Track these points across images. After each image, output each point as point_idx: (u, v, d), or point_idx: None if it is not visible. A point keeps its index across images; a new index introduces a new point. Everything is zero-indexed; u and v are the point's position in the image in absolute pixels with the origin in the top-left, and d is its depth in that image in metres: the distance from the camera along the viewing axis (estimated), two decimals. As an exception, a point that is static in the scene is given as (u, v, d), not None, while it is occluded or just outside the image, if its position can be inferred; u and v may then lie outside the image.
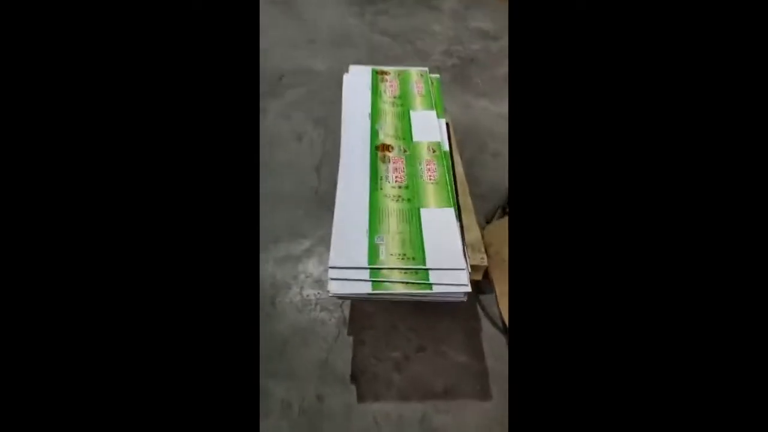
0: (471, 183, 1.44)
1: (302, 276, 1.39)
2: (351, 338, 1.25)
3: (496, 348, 1.25)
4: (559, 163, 0.41)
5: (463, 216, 1.21)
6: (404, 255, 1.03)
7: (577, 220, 0.39)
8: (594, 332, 0.38)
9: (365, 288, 0.99)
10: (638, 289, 0.37)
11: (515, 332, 0.42)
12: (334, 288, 0.98)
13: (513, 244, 0.43)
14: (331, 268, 1.00)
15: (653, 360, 0.35)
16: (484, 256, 1.24)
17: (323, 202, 1.54)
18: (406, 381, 1.17)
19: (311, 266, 1.41)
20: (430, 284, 0.99)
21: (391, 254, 1.03)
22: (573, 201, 0.39)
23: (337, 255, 1.02)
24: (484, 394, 1.16)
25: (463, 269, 1.02)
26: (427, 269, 1.01)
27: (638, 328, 0.36)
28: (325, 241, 1.27)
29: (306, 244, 1.46)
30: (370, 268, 1.01)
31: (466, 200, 1.35)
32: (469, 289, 0.99)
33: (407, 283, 0.99)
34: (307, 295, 1.34)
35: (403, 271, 1.01)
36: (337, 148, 1.28)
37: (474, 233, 1.28)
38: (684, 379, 0.33)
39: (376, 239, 1.06)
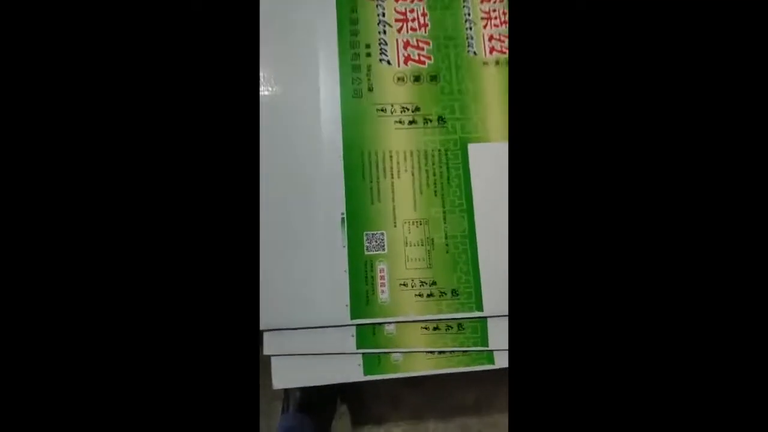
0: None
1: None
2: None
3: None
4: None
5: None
6: (433, 284, 0.45)
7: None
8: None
9: (350, 371, 0.45)
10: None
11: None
12: (281, 378, 0.44)
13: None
14: (265, 332, 0.44)
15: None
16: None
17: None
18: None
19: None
20: (491, 353, 0.45)
21: (402, 283, 0.45)
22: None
23: (275, 302, 0.44)
24: None
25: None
26: (483, 318, 0.45)
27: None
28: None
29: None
30: (357, 325, 0.45)
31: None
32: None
33: (440, 354, 0.45)
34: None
35: (430, 327, 0.45)
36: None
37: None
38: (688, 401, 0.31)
39: (366, 241, 0.46)
